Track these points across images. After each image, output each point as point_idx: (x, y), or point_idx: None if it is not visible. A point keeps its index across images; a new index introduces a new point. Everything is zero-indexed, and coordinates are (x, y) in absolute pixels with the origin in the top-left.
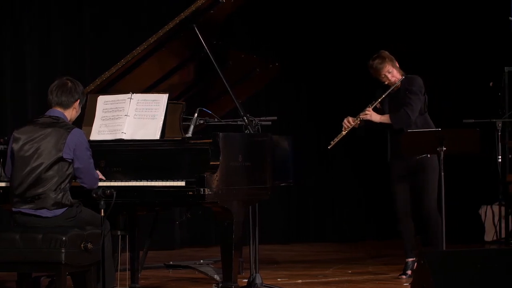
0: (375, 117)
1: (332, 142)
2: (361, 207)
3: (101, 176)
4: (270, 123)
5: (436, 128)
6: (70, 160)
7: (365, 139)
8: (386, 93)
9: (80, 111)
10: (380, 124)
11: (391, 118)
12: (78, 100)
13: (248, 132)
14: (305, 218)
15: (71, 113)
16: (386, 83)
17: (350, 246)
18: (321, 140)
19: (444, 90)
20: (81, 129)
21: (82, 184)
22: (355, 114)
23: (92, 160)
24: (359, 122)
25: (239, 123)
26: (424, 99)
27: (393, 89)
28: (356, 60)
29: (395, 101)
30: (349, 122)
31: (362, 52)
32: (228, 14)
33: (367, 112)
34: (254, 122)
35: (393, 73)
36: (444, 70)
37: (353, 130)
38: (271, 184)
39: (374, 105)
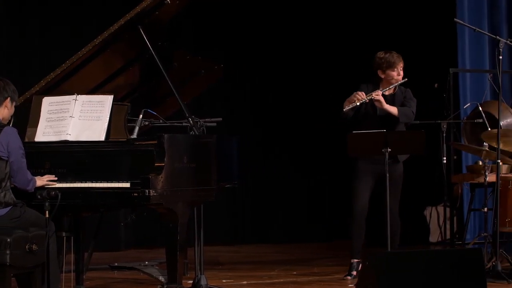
0: (384, 103)
1: (346, 107)
2: (307, 208)
3: (52, 178)
4: (215, 124)
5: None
6: (6, 158)
7: (310, 140)
8: (398, 84)
9: (13, 110)
10: (366, 113)
11: (398, 110)
12: (9, 98)
13: (193, 133)
14: (250, 219)
15: (2, 112)
16: (394, 77)
17: (295, 247)
18: (265, 141)
19: None
20: (26, 130)
21: (14, 184)
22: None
23: (24, 160)
24: (368, 100)
25: (184, 124)
26: None
27: (392, 87)
28: (302, 60)
29: (389, 104)
30: (361, 96)
31: (307, 53)
32: (173, 16)
33: (378, 92)
34: (199, 123)
35: (401, 72)
36: None
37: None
38: (216, 185)
39: (384, 91)
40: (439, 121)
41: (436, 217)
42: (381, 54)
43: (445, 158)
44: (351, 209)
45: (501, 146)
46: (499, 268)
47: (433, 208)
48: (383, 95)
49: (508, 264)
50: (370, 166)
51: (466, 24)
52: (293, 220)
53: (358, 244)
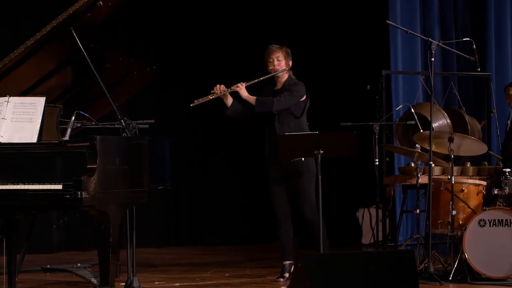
0: (244, 93)
1: (196, 102)
2: (239, 210)
3: None
4: (147, 126)
5: (313, 131)
6: None
7: (243, 139)
8: (266, 77)
9: None
10: (252, 111)
11: (256, 99)
12: None
13: (126, 135)
14: (183, 221)
15: None
16: (270, 68)
17: (228, 249)
18: (199, 143)
19: (321, 93)
20: None
21: None
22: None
23: None
24: (228, 92)
25: (116, 126)
26: (304, 105)
27: (272, 78)
28: (236, 61)
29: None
30: (220, 88)
31: (242, 53)
32: (106, 17)
33: (239, 85)
34: (131, 125)
35: (281, 63)
36: (322, 72)
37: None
38: (149, 187)
39: (249, 83)
40: (371, 123)
41: (368, 218)
42: None
43: (377, 159)
44: (272, 212)
45: (433, 148)
46: (432, 269)
47: (366, 210)
48: (273, 90)
49: (441, 265)
50: (279, 168)
51: (399, 26)
52: (226, 222)
53: (288, 245)
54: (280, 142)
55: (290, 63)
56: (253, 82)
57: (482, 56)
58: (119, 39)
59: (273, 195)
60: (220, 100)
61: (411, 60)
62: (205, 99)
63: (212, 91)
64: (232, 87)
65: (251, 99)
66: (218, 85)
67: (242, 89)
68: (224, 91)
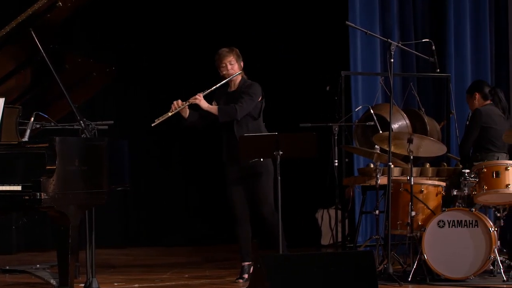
0: (204, 104)
1: (156, 120)
2: (198, 210)
3: None
4: (106, 127)
5: (272, 132)
6: None
7: (202, 141)
8: (220, 84)
9: None
10: (209, 117)
11: (218, 109)
12: None
13: (85, 136)
14: (142, 221)
15: None
16: (224, 73)
17: (187, 250)
18: (158, 144)
19: (280, 94)
20: None
21: None
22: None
23: None
24: (187, 106)
25: (75, 127)
26: (260, 105)
27: (228, 82)
28: (195, 61)
29: (231, 101)
30: (178, 104)
31: (200, 54)
32: (65, 18)
33: (197, 96)
34: (90, 126)
35: (233, 66)
36: (281, 72)
37: (194, 129)
38: (108, 188)
39: (206, 92)
40: (330, 124)
41: (327, 219)
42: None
43: (336, 160)
44: (231, 213)
45: (392, 149)
46: (391, 270)
47: (325, 211)
48: (227, 93)
49: (400, 266)
50: (237, 169)
51: (358, 27)
52: (185, 222)
53: (246, 246)
54: (240, 143)
55: (242, 64)
56: (210, 90)
57: (442, 57)
58: (79, 39)
59: (231, 196)
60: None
61: (370, 61)
62: (165, 116)
63: (171, 109)
64: (190, 100)
65: (213, 109)
66: (175, 102)
67: (201, 100)
68: (183, 105)
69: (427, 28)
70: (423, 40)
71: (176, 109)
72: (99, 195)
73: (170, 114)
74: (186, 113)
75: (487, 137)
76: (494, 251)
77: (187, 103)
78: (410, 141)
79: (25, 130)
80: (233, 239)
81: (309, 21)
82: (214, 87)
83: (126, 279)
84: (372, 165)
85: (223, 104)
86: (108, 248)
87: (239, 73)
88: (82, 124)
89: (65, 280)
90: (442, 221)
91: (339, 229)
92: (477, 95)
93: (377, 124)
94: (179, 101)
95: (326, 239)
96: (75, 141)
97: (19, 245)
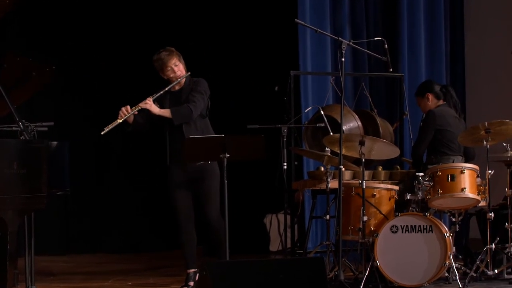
0: (155, 109)
1: (105, 128)
2: (141, 216)
3: None
4: (46, 128)
5: (219, 133)
6: None
7: (144, 144)
8: (171, 86)
9: None
10: (160, 120)
11: (172, 112)
12: None
13: (24, 138)
14: (83, 227)
15: None
16: (171, 76)
17: (130, 257)
18: (100, 147)
19: (227, 94)
20: None
21: None
22: None
23: None
24: (137, 112)
25: (14, 129)
26: (208, 103)
27: (176, 84)
28: (135, 62)
29: (177, 100)
30: (126, 111)
31: (142, 54)
32: (2, 16)
33: (147, 101)
34: (30, 127)
35: (179, 67)
36: (227, 71)
37: (140, 133)
38: (48, 193)
39: (156, 96)
40: (279, 125)
41: (276, 225)
42: (154, 57)
43: (285, 163)
44: (175, 218)
45: (343, 152)
46: (342, 277)
47: (273, 216)
48: (171, 92)
49: (351, 273)
50: (182, 172)
51: (308, 25)
52: (128, 228)
53: (191, 253)
54: (186, 145)
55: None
56: (159, 94)
57: (395, 56)
58: (18, 39)
59: (176, 200)
60: (118, 102)
61: (320, 60)
62: (114, 124)
63: (119, 116)
64: (140, 105)
65: (166, 112)
66: (123, 108)
67: (151, 105)
68: (132, 111)
69: (379, 26)
70: (376, 39)
71: (126, 115)
72: (38, 200)
73: (119, 121)
74: (131, 119)
75: (442, 141)
76: (449, 257)
77: (137, 109)
78: (362, 143)
79: None
80: (177, 245)
81: (257, 19)
82: (164, 90)
83: (66, 287)
84: (322, 168)
85: (169, 105)
86: (48, 255)
87: (188, 74)
88: (21, 126)
89: None
90: (395, 226)
91: (288, 234)
92: (430, 96)
93: (328, 125)
94: (128, 107)
95: (274, 245)
96: (14, 143)
97: None
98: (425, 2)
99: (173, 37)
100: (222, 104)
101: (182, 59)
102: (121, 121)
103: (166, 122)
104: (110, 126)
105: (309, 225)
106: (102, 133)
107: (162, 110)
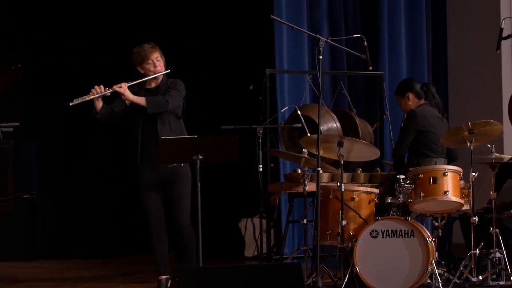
0: (129, 94)
1: (74, 100)
2: (111, 220)
3: None
4: (12, 129)
5: (192, 134)
6: None
7: (113, 146)
8: (149, 78)
9: None
10: (132, 112)
11: (147, 100)
12: None
13: None
14: (51, 232)
15: None
16: (151, 70)
17: (99, 262)
18: (67, 148)
19: (200, 93)
20: None
21: None
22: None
23: None
24: (109, 93)
25: None
26: (184, 104)
27: (153, 80)
28: (107, 60)
29: (153, 96)
30: (99, 89)
31: (114, 52)
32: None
33: (122, 85)
34: None
35: (160, 63)
36: (200, 71)
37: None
38: (13, 196)
39: (132, 84)
40: (254, 126)
41: (251, 229)
42: (134, 49)
43: (261, 165)
44: (146, 222)
45: (321, 153)
46: (320, 284)
47: (249, 220)
48: (146, 89)
49: (330, 280)
50: (153, 174)
51: (284, 22)
52: (97, 233)
53: (163, 259)
54: (159, 147)
55: None
56: (136, 82)
57: (374, 54)
58: None
59: (146, 203)
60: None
61: (297, 58)
62: (84, 98)
63: (91, 92)
64: (114, 87)
65: (140, 100)
66: (96, 86)
67: (125, 90)
68: (105, 91)
69: (358, 23)
70: (354, 36)
71: (98, 94)
72: (4, 203)
73: (90, 97)
74: (100, 104)
75: (424, 142)
76: (431, 263)
77: (110, 90)
78: (340, 144)
79: None
80: (148, 249)
81: (231, 15)
82: (141, 80)
83: None
84: (299, 171)
85: None
86: (14, 261)
87: (168, 71)
88: None
89: None
90: (376, 231)
91: (264, 239)
92: (411, 95)
93: (305, 126)
94: (101, 86)
95: (250, 251)
96: None
97: None
98: None
99: (144, 33)
100: (195, 104)
101: (163, 57)
102: (90, 98)
103: (138, 115)
104: (80, 100)
105: (286, 229)
106: (70, 104)
107: (136, 97)
